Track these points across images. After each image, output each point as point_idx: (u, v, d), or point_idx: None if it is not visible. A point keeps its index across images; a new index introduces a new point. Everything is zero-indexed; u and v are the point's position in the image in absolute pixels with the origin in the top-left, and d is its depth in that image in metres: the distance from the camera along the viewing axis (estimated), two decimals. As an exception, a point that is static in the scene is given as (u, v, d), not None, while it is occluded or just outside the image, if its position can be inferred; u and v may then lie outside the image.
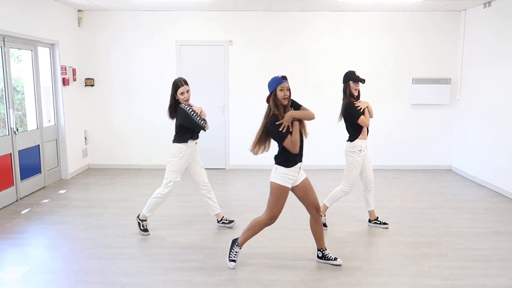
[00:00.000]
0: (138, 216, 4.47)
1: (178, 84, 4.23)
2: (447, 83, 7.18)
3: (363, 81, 4.31)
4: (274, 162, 3.52)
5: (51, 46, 6.44)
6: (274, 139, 3.45)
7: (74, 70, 6.98)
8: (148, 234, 4.38)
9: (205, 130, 4.26)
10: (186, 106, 4.24)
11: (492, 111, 6.21)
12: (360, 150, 4.40)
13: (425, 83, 7.20)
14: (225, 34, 7.25)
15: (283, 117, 3.36)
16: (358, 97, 4.42)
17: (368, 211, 4.73)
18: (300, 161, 3.53)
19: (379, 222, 4.69)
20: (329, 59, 7.29)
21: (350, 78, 4.35)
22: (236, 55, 7.31)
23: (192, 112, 4.20)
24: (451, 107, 7.32)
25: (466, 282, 3.39)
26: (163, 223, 4.66)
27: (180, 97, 4.23)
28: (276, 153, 3.51)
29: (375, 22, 7.18)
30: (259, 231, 3.61)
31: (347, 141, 4.48)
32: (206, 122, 4.23)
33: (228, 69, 7.35)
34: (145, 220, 4.42)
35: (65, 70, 6.67)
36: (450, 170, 7.47)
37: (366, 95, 7.24)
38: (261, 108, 7.29)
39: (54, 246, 4.13)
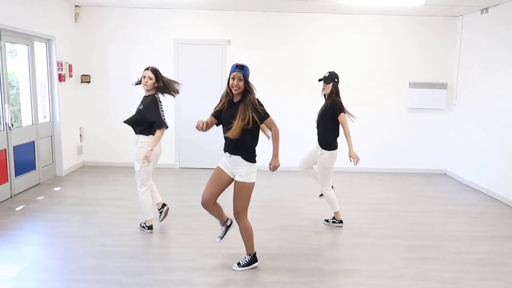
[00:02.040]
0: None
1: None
2: (443, 88, 7.23)
3: None
4: (246, 160, 3.38)
5: (48, 41, 6.36)
6: (262, 121, 3.39)
7: (70, 66, 6.90)
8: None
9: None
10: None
11: (488, 116, 6.27)
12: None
13: (421, 87, 7.25)
14: (223, 33, 7.23)
15: None
16: None
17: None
18: None
19: (334, 221, 4.77)
20: (327, 60, 7.29)
21: (338, 79, 4.50)
22: (234, 55, 7.28)
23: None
24: (447, 111, 7.37)
25: (464, 286, 3.41)
26: (162, 222, 4.61)
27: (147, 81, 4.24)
28: (248, 150, 3.40)
29: (374, 25, 7.21)
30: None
31: (325, 149, 4.48)
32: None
33: (226, 69, 7.31)
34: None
35: (61, 66, 6.60)
36: (445, 174, 7.52)
37: (363, 98, 7.33)
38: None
39: (50, 244, 4.07)
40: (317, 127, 4.59)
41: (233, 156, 3.42)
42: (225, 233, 3.69)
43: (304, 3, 6.37)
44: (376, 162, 7.54)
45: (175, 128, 7.41)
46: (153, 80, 4.25)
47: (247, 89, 3.37)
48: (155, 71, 4.28)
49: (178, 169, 7.47)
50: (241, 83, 3.33)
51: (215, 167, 3.56)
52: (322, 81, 4.49)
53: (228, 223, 3.70)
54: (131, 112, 4.44)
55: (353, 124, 7.32)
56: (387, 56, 7.29)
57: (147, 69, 4.29)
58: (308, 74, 7.33)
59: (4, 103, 5.31)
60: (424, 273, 3.61)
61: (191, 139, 7.22)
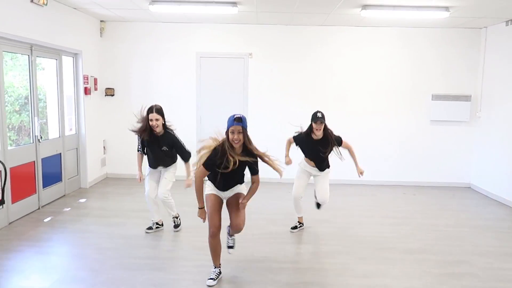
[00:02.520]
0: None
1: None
2: (467, 100, 7.15)
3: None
4: (241, 184, 3.68)
5: (75, 55, 6.51)
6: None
7: (95, 80, 7.04)
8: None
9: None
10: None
11: (515, 129, 6.17)
12: None
13: (445, 99, 7.18)
14: (245, 47, 7.30)
15: None
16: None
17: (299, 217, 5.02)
18: None
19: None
20: (349, 73, 7.30)
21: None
22: (255, 68, 7.34)
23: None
24: (471, 124, 7.28)
25: (501, 303, 3.33)
26: (188, 235, 4.62)
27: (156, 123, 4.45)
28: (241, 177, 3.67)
29: (396, 38, 7.21)
30: None
31: (328, 168, 4.77)
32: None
33: (248, 82, 7.38)
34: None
35: (87, 79, 6.73)
36: (470, 187, 7.39)
37: (386, 110, 7.29)
38: (279, 121, 7.33)
39: (80, 255, 4.11)
40: (320, 158, 4.63)
41: (230, 189, 3.63)
42: (218, 276, 3.60)
43: (326, 16, 6.42)
44: (398, 175, 7.46)
45: (196, 140, 7.45)
46: (161, 120, 4.39)
47: (246, 140, 3.42)
48: (160, 111, 4.43)
49: (200, 181, 7.49)
50: (241, 136, 3.37)
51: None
52: (319, 121, 4.43)
53: (220, 268, 3.67)
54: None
55: (377, 136, 7.34)
56: (410, 69, 7.26)
57: (151, 111, 4.36)
58: (330, 87, 7.34)
59: (34, 116, 5.44)
60: (458, 290, 3.53)
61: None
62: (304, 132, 4.65)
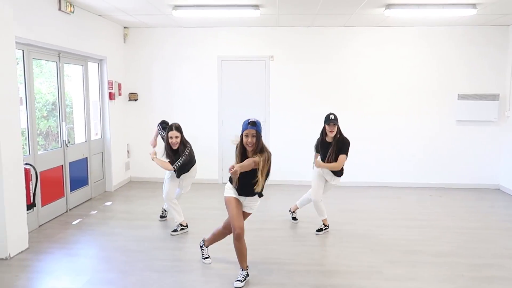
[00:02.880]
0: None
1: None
2: (495, 99, 6.97)
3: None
4: (259, 196, 3.64)
5: (100, 61, 6.64)
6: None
7: (119, 85, 7.16)
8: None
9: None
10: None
11: (546, 128, 5.98)
12: None
13: (471, 99, 7.02)
14: (266, 49, 7.31)
15: None
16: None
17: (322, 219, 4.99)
18: None
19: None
20: (372, 74, 7.22)
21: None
22: (277, 70, 7.33)
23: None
24: (499, 124, 7.08)
25: (539, 308, 3.21)
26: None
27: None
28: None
29: (420, 37, 7.09)
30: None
31: (338, 176, 4.77)
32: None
33: (269, 85, 7.37)
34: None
35: (112, 84, 6.85)
36: (499, 189, 7.19)
37: (410, 110, 7.17)
38: (302, 123, 7.29)
39: (108, 258, 4.17)
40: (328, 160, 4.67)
41: (249, 197, 3.61)
42: (245, 278, 3.58)
43: (348, 17, 6.37)
44: (424, 176, 7.32)
45: (218, 143, 7.51)
46: (179, 137, 4.62)
47: (259, 145, 3.43)
48: (178, 128, 4.63)
49: (222, 184, 7.52)
50: (254, 140, 3.40)
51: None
52: (331, 123, 4.52)
53: (248, 271, 3.65)
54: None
55: (401, 137, 7.23)
56: (435, 68, 7.12)
57: (171, 129, 4.60)
58: (352, 87, 7.27)
59: (62, 121, 5.56)
60: (492, 294, 3.43)
61: (234, 154, 7.25)
62: (320, 135, 4.77)
